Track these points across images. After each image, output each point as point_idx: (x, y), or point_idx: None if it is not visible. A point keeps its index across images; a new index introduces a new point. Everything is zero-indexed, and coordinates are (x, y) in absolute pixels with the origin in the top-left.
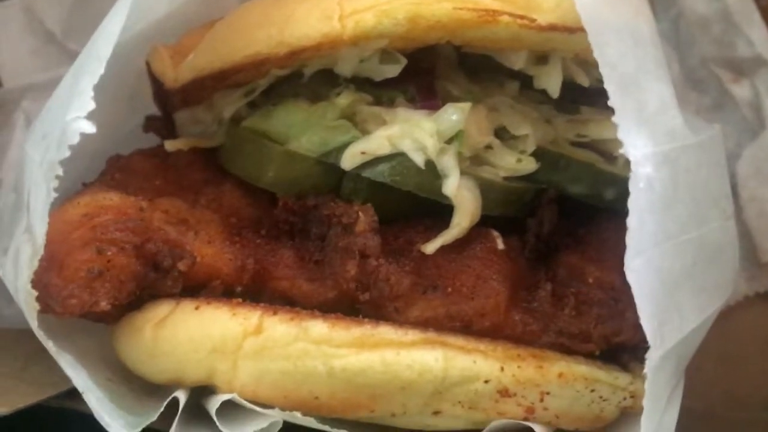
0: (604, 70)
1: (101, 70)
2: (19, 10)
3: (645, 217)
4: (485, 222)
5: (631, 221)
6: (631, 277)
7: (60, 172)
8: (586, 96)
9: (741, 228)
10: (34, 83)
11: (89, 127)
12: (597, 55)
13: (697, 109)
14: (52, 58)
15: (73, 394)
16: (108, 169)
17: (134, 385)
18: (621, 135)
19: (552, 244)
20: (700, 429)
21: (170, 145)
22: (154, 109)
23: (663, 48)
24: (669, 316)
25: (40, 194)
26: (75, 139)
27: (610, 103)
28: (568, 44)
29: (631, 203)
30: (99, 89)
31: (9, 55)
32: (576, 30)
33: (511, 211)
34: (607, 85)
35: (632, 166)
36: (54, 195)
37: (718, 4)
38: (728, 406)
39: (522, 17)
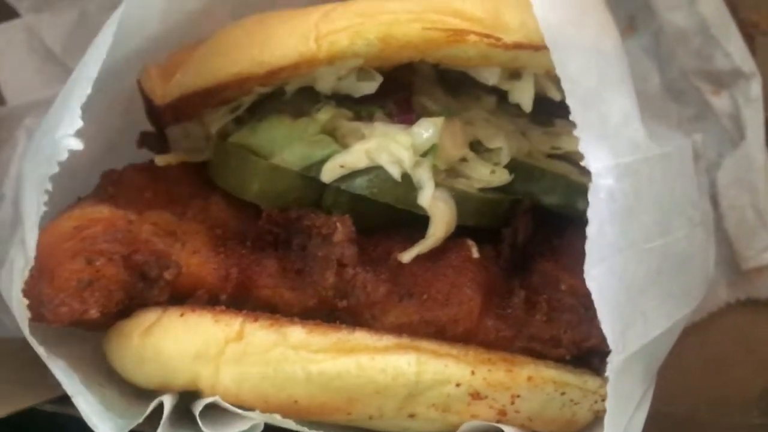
0: (566, 85)
1: (88, 90)
2: (21, 30)
3: (605, 226)
4: (462, 232)
5: (591, 231)
6: (591, 284)
7: (49, 186)
8: (560, 109)
9: (721, 236)
10: (36, 101)
11: (77, 144)
12: (559, 71)
13: (678, 120)
14: (54, 76)
15: (66, 399)
16: (102, 183)
17: (125, 389)
18: (582, 148)
19: (527, 253)
20: None
21: (161, 160)
22: (147, 126)
23: (643, 64)
24: (632, 321)
25: (31, 207)
26: (64, 156)
27: (571, 117)
28: (536, 61)
29: (591, 213)
30: (93, 107)
31: (12, 73)
32: (541, 47)
33: (486, 221)
34: (568, 100)
35: (593, 178)
36: (44, 209)
37: (696, 17)
38: (711, 411)
39: (488, 36)
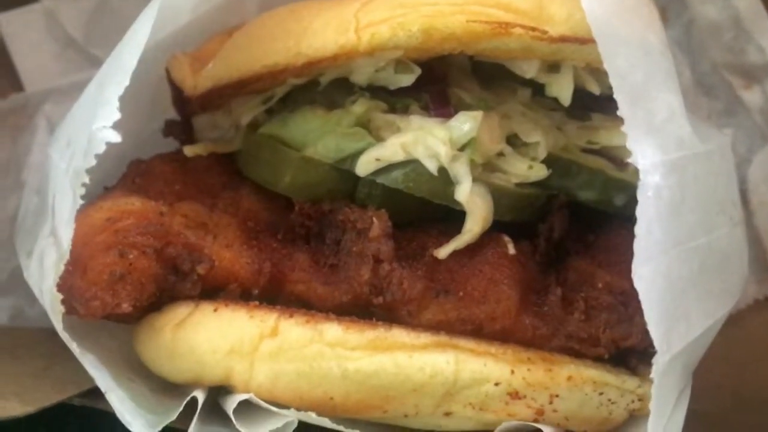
0: (614, 81)
1: (126, 82)
2: (40, 15)
3: (653, 225)
4: (497, 227)
5: (640, 229)
6: (638, 284)
7: (86, 180)
8: (597, 103)
9: (751, 233)
10: (55, 87)
11: (115, 137)
12: (607, 65)
13: (708, 114)
14: (74, 63)
15: (96, 393)
16: (129, 173)
17: (155, 384)
18: (630, 144)
19: (562, 249)
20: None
21: (189, 151)
22: (174, 113)
23: (674, 57)
24: (676, 322)
25: (66, 201)
26: (101, 149)
27: (619, 112)
28: (579, 54)
29: (639, 211)
30: (124, 93)
31: (31, 59)
32: (587, 41)
33: (523, 216)
34: (616, 95)
35: (641, 175)
36: (80, 202)
37: (729, 11)
38: (738, 409)
39: (534, 29)
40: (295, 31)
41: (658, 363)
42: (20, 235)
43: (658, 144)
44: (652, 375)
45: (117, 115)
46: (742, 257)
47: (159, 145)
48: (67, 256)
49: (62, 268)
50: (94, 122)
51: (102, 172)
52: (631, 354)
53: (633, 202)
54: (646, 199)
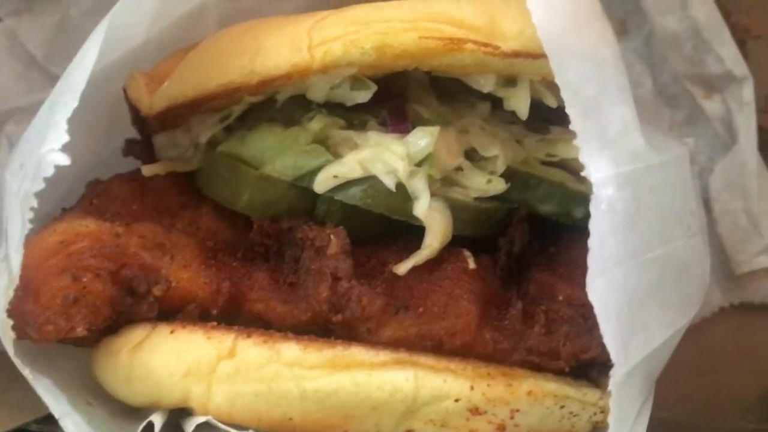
0: (566, 95)
1: (75, 103)
2: (1, 34)
3: (606, 237)
4: (457, 242)
5: (593, 242)
6: (593, 297)
7: (35, 204)
8: (555, 116)
9: (714, 241)
10: (17, 107)
11: (64, 159)
12: (558, 80)
13: (670, 124)
14: (35, 82)
15: (53, 418)
16: (87, 194)
17: (114, 408)
18: (583, 158)
19: (523, 262)
20: None
21: (147, 170)
22: (133, 132)
23: (634, 68)
24: (634, 333)
25: (15, 224)
26: (50, 171)
27: (571, 126)
28: (533, 68)
29: (593, 224)
30: (78, 115)
31: None
32: (539, 56)
33: (482, 230)
34: (568, 109)
35: (594, 188)
36: (29, 226)
37: (688, 21)
38: (707, 417)
39: (486, 45)
40: (249, 49)
41: (616, 375)
42: None
43: (611, 157)
44: (610, 387)
45: (65, 138)
46: (702, 266)
47: (121, 165)
48: (17, 281)
49: (12, 293)
50: (43, 145)
51: (61, 193)
52: (592, 366)
53: None
54: (599, 212)
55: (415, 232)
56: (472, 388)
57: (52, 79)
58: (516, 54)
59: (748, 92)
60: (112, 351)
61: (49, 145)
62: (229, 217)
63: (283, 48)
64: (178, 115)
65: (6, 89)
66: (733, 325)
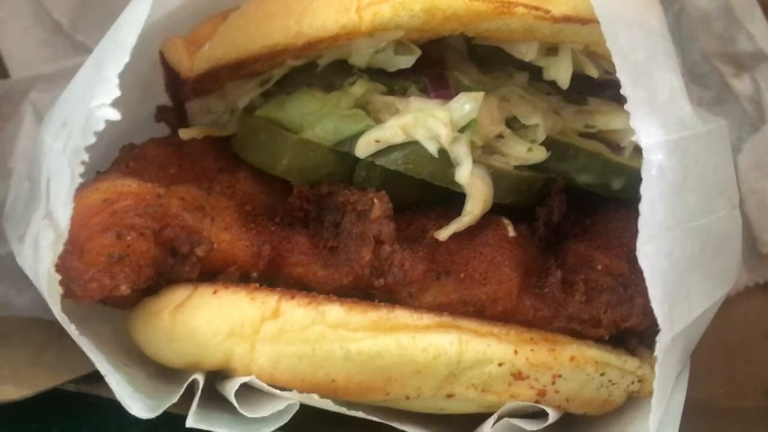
0: (617, 60)
1: (126, 58)
2: (26, 1)
3: (656, 203)
4: (495, 210)
5: (643, 207)
6: (642, 261)
7: (86, 158)
8: (593, 87)
9: (742, 220)
10: (42, 74)
11: (114, 114)
12: (609, 45)
13: (699, 103)
14: (60, 50)
15: (90, 379)
16: (122, 157)
17: (150, 370)
18: (633, 123)
19: (561, 232)
20: (700, 417)
21: (184, 134)
22: (165, 99)
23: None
24: (679, 300)
25: (63, 180)
26: (100, 126)
27: (622, 91)
28: (578, 36)
29: (643, 190)
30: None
31: (16, 46)
32: (588, 21)
33: (521, 199)
34: (619, 74)
35: (644, 154)
36: (79, 180)
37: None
38: (729, 395)
39: (536, 8)
40: (296, 9)
41: (662, 341)
42: (10, 221)
43: (661, 123)
44: (656, 353)
45: (116, 93)
46: (738, 240)
47: (150, 132)
48: (65, 236)
49: (61, 248)
50: (93, 100)
51: (95, 158)
52: (630, 335)
53: (630, 185)
54: (649, 178)
55: (455, 199)
56: (516, 352)
57: (77, 47)
58: (566, 18)
59: None
60: (153, 312)
61: (98, 100)
62: (267, 181)
63: (330, 9)
64: (216, 79)
65: (31, 56)
66: (757, 304)
